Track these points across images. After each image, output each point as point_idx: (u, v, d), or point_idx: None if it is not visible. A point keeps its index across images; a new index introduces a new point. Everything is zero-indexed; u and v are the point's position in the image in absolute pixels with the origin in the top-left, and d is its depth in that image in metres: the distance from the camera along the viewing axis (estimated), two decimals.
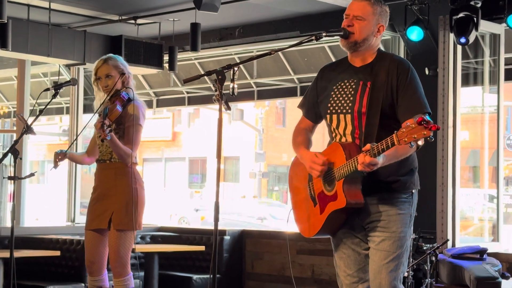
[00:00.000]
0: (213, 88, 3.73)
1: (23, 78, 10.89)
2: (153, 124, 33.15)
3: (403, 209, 3.85)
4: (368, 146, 3.58)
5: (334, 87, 3.94)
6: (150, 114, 31.72)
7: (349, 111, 3.87)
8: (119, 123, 5.38)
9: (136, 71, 10.46)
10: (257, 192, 32.05)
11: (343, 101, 3.89)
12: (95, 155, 5.60)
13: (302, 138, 4.09)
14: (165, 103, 13.48)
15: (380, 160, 3.60)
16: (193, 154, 33.45)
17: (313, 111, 4.11)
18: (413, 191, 3.91)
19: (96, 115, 5.46)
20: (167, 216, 26.82)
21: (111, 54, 5.55)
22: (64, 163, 5.75)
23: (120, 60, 5.51)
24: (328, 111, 3.96)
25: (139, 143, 5.41)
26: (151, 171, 34.23)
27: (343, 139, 3.89)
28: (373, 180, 3.77)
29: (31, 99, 11.15)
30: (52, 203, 22.72)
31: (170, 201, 29.63)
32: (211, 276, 3.59)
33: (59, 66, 11.19)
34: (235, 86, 3.73)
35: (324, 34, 3.86)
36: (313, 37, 3.83)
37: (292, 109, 34.31)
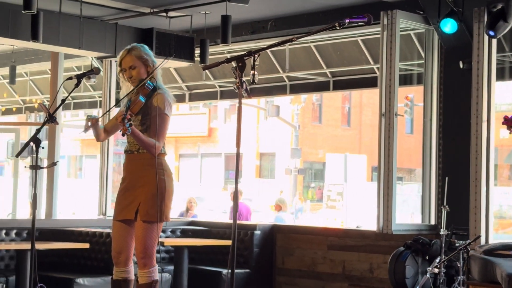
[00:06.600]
0: (234, 76, 3.70)
1: (56, 71, 10.93)
2: (189, 120, 33.23)
3: None
4: None
5: None
6: (186, 109, 31.83)
7: None
8: (146, 114, 5.35)
9: (167, 64, 10.41)
10: (292, 188, 31.95)
11: None
12: (109, 134, 5.60)
13: None
14: (198, 97, 13.39)
15: None
16: (229, 150, 33.47)
17: None
18: None
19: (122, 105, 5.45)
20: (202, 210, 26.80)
21: (135, 44, 5.52)
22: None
23: (144, 49, 5.47)
24: None
25: (165, 133, 5.36)
26: (187, 166, 34.32)
27: None
28: None
29: (65, 92, 11.17)
30: (88, 196, 22.87)
31: (206, 196, 29.66)
32: (229, 270, 3.52)
33: (91, 59, 11.20)
34: (256, 73, 3.70)
35: (347, 20, 3.81)
36: (336, 24, 3.77)
37: (328, 105, 34.15)
